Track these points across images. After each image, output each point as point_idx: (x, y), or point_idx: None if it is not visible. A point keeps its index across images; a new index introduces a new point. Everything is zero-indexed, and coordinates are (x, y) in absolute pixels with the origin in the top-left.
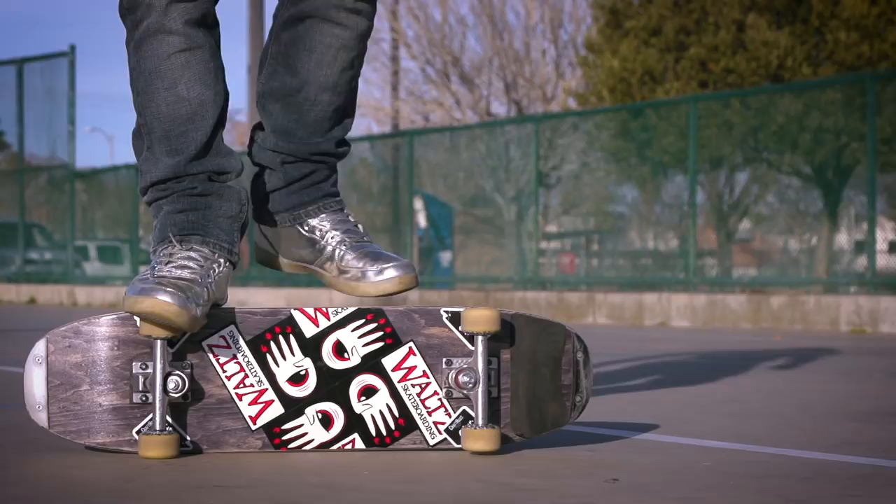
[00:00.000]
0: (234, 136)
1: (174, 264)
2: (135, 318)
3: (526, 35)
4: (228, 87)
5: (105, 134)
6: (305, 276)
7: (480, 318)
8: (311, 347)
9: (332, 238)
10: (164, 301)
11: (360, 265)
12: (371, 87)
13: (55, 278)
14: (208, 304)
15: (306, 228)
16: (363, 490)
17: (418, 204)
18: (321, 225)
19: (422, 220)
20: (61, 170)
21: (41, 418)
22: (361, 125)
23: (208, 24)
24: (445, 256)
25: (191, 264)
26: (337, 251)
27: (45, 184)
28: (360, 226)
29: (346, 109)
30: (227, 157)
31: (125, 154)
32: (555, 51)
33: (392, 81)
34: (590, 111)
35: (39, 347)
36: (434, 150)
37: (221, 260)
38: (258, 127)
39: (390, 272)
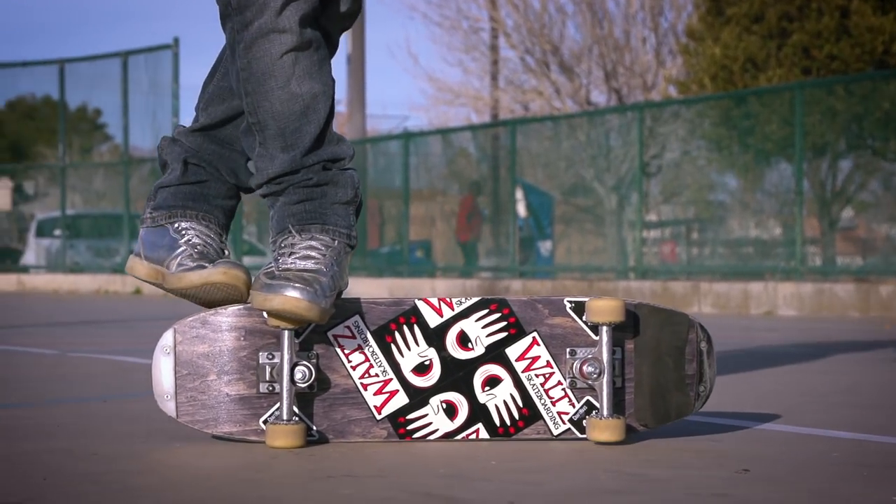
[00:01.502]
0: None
1: (297, 255)
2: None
3: (626, 23)
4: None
5: None
6: (407, 267)
7: (605, 309)
8: (435, 337)
9: (188, 242)
10: (293, 297)
11: (198, 262)
12: (470, 76)
13: None
14: (334, 293)
15: (172, 228)
16: (492, 480)
17: (518, 193)
18: (187, 229)
19: (522, 209)
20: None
21: (169, 408)
22: (461, 114)
23: (315, 18)
24: (545, 246)
25: (313, 254)
26: (184, 254)
27: (148, 175)
28: (226, 248)
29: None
30: (339, 145)
31: None
32: (655, 39)
33: (491, 71)
34: (694, 99)
35: (167, 338)
36: (534, 140)
37: (342, 245)
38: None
39: (217, 266)
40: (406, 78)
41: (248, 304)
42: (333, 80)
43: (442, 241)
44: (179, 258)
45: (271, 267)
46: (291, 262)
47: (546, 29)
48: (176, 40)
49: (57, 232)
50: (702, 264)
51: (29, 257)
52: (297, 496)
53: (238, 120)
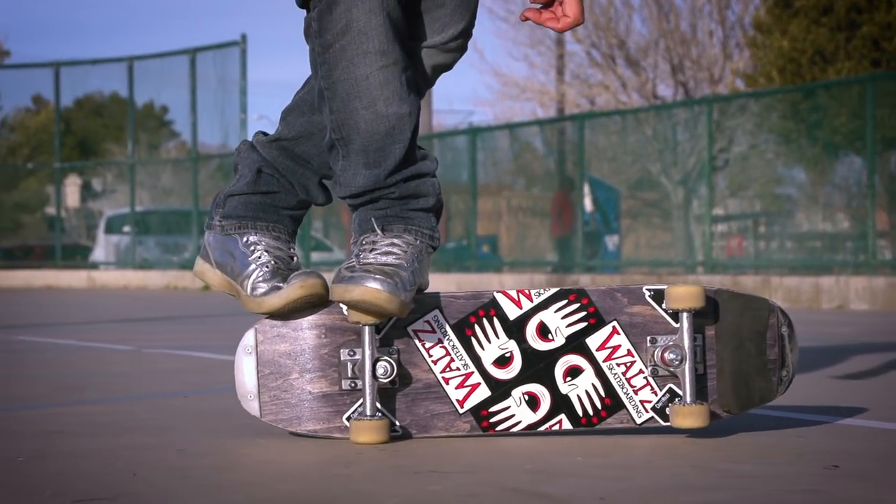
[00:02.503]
0: None
1: (378, 251)
2: (342, 305)
3: (692, 16)
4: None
5: (272, 121)
6: (475, 262)
7: (685, 295)
8: (515, 329)
9: (259, 258)
10: (374, 288)
11: (273, 282)
12: (536, 70)
13: None
14: (414, 288)
15: (242, 241)
16: (580, 475)
17: (584, 188)
18: (255, 242)
19: (588, 203)
20: (234, 157)
21: (253, 407)
22: (527, 109)
23: (402, 34)
24: (612, 240)
25: (395, 250)
26: (257, 271)
27: (215, 171)
28: (295, 256)
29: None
30: (423, 161)
31: None
32: (722, 32)
33: (557, 65)
34: (763, 92)
35: (249, 338)
36: (600, 134)
37: (423, 245)
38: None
39: (294, 280)
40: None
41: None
42: (419, 100)
43: (509, 237)
44: (252, 280)
45: (352, 261)
46: (373, 258)
47: (612, 23)
48: (243, 37)
49: (126, 228)
50: (769, 258)
51: (98, 254)
52: (387, 492)
53: (316, 138)
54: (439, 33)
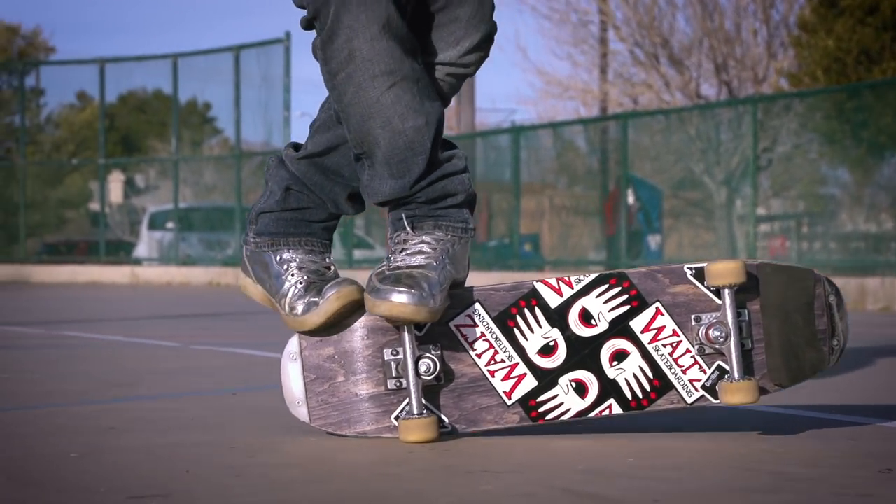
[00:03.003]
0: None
1: (408, 251)
2: None
3: (737, 15)
4: None
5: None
6: (517, 260)
7: (725, 271)
8: (557, 318)
9: (292, 275)
10: (399, 303)
11: (308, 298)
12: (579, 69)
13: None
14: (447, 287)
15: (277, 259)
16: (632, 477)
17: (626, 188)
18: (288, 260)
19: (631, 202)
20: (277, 154)
21: (301, 413)
22: (569, 108)
23: (411, 50)
24: (654, 239)
25: (425, 249)
26: (291, 289)
27: (257, 168)
28: (331, 266)
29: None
30: (451, 161)
31: None
32: (766, 31)
33: (600, 64)
34: (808, 92)
35: (293, 344)
36: (643, 133)
37: (455, 238)
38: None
39: (329, 292)
40: (515, 71)
41: None
42: (440, 105)
43: (552, 235)
44: (289, 299)
45: (383, 266)
46: (402, 260)
47: (656, 22)
48: (287, 35)
49: (169, 225)
50: (812, 258)
51: (141, 250)
52: (439, 491)
53: (344, 148)
54: (454, 46)
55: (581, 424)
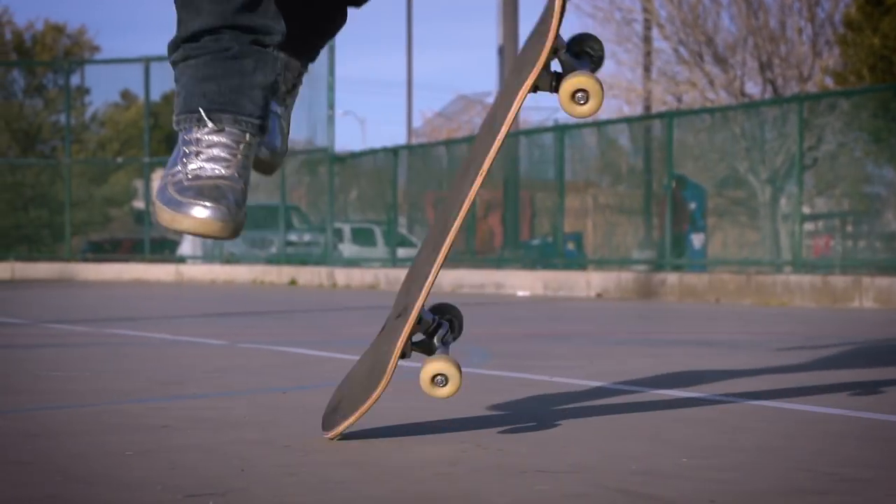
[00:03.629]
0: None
1: (205, 156)
2: None
3: (781, 13)
4: (478, 69)
5: (357, 117)
6: (561, 260)
7: None
8: None
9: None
10: (205, 219)
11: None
12: (623, 68)
13: (315, 260)
14: (245, 203)
15: (189, 136)
16: (687, 477)
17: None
18: (200, 138)
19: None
20: (321, 153)
21: None
22: (612, 106)
23: None
24: (698, 238)
25: (224, 154)
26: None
27: (300, 166)
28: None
29: None
30: (274, 19)
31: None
32: (811, 29)
33: (644, 62)
34: (855, 90)
35: None
36: (686, 132)
37: (253, 138)
38: None
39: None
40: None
41: None
42: None
43: (595, 234)
44: None
45: (178, 173)
46: (199, 167)
47: (700, 20)
48: None
49: None
50: (856, 258)
51: (185, 248)
52: (495, 490)
53: None
54: None
55: (630, 423)
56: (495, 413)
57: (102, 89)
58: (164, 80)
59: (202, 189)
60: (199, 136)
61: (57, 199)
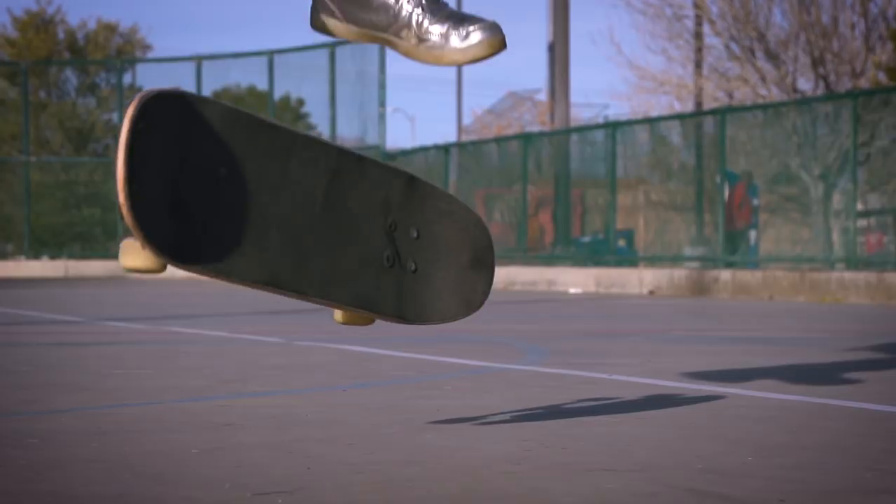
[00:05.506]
0: (535, 115)
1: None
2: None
3: (834, 8)
4: (528, 66)
5: (407, 115)
6: (613, 257)
7: None
8: None
9: (408, 1)
10: (499, 37)
11: (443, 30)
12: (673, 64)
13: None
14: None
15: None
16: (754, 476)
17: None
18: None
19: (724, 198)
20: (372, 151)
21: None
22: (663, 102)
23: None
24: (750, 235)
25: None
26: (415, 15)
27: None
28: None
29: None
30: None
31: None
32: (864, 24)
33: (695, 58)
34: None
35: None
36: (737, 128)
37: None
38: None
39: (476, 35)
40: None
41: None
42: None
43: (647, 231)
44: (420, 28)
45: (423, 21)
46: (438, 8)
47: (752, 15)
48: None
49: None
50: None
51: None
52: (562, 489)
53: None
54: None
55: (692, 421)
56: (556, 411)
57: (154, 87)
58: (215, 79)
59: (461, 17)
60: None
61: (109, 198)
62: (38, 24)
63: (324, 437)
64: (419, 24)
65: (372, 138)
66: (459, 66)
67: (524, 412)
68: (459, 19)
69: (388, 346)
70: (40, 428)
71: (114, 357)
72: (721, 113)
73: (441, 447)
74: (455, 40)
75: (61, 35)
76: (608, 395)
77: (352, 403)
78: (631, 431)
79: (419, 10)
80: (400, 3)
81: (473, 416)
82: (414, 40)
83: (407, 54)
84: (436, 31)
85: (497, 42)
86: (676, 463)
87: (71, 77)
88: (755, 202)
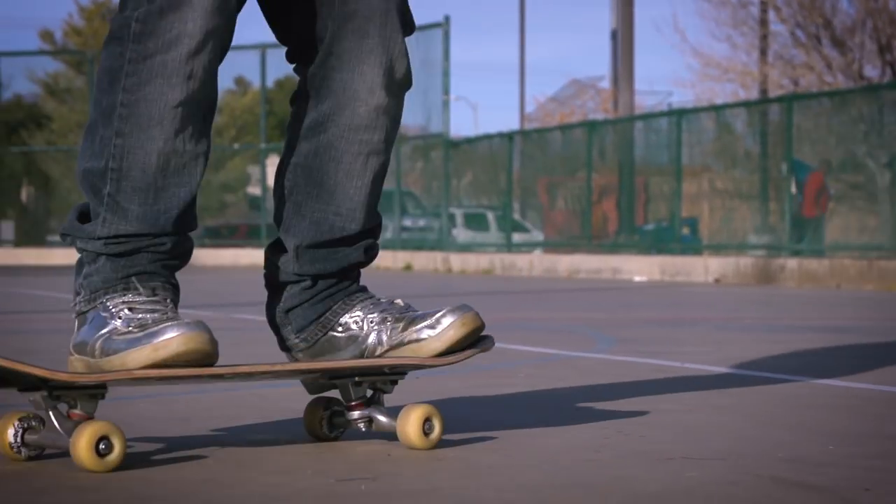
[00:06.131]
0: (598, 103)
1: (145, 308)
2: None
3: None
4: (591, 53)
5: (469, 102)
6: (678, 245)
7: None
8: None
9: (371, 322)
10: (193, 334)
11: (413, 328)
12: (738, 51)
13: (430, 245)
14: None
15: (340, 329)
16: (837, 465)
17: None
18: (354, 317)
19: (791, 186)
20: (436, 138)
21: None
22: (727, 90)
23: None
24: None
25: (159, 307)
26: (382, 332)
27: (412, 152)
28: (398, 301)
29: (375, 213)
30: (194, 215)
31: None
32: None
33: (760, 45)
34: None
35: None
36: (802, 115)
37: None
38: (275, 247)
39: (447, 319)
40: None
41: None
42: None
43: (712, 219)
44: None
45: (119, 325)
46: (144, 315)
47: (818, 2)
48: (447, 18)
49: None
50: None
51: None
52: (644, 477)
53: None
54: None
55: (768, 410)
56: (630, 399)
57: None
58: (278, 67)
59: (162, 318)
60: (130, 298)
61: None
62: (104, 13)
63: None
64: (389, 337)
65: (435, 126)
66: (443, 355)
67: (598, 400)
68: (423, 314)
69: None
70: (121, 415)
71: None
72: (788, 100)
73: (519, 436)
74: (427, 331)
75: None
76: (681, 383)
77: (425, 390)
78: (707, 419)
79: (385, 325)
80: (364, 329)
81: (548, 404)
82: (390, 352)
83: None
84: (406, 333)
85: (469, 319)
86: (756, 451)
87: None
88: (831, 191)
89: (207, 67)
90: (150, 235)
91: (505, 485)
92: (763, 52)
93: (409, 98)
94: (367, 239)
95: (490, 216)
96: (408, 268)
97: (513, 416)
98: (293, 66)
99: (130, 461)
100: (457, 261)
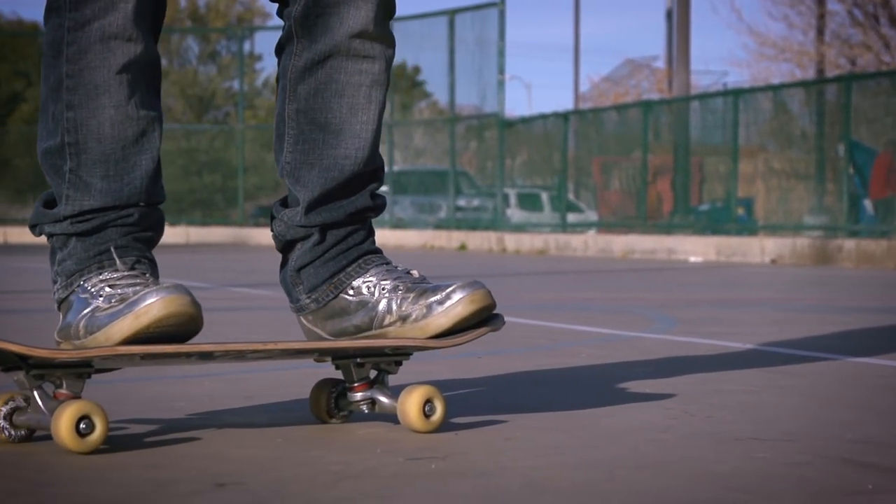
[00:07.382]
0: (653, 82)
1: (124, 283)
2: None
3: None
4: (645, 33)
5: (524, 82)
6: (734, 225)
7: None
8: None
9: (384, 289)
10: (173, 297)
11: (423, 301)
12: (794, 31)
13: (484, 224)
14: None
15: (351, 292)
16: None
17: (842, 151)
18: (368, 281)
19: (849, 167)
20: (490, 118)
21: None
22: (783, 70)
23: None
24: (871, 204)
25: (139, 280)
26: (393, 300)
27: (466, 131)
28: (414, 271)
29: (378, 154)
30: (160, 185)
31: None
32: None
33: (817, 25)
34: None
35: None
36: (858, 96)
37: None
38: (282, 204)
39: (456, 294)
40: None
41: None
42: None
43: (768, 199)
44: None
45: (100, 301)
46: (127, 288)
47: None
48: None
49: (384, 188)
50: None
51: None
52: (713, 458)
53: None
54: None
55: (833, 391)
56: (693, 379)
57: (274, 55)
58: None
59: (143, 285)
60: (111, 275)
61: (230, 164)
62: None
63: (466, 405)
64: (399, 307)
65: (490, 106)
66: (449, 333)
67: (662, 380)
68: (436, 287)
69: (519, 314)
70: (187, 392)
71: (247, 323)
72: (846, 80)
73: (584, 416)
74: (436, 307)
75: (183, 4)
76: (743, 363)
77: (488, 370)
78: (772, 400)
79: (397, 294)
80: (376, 296)
81: (612, 384)
82: (398, 322)
83: (398, 341)
84: (416, 305)
85: (479, 296)
86: (825, 433)
87: (192, 45)
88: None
89: (146, 29)
90: (115, 208)
91: (574, 464)
92: (820, 32)
93: (463, 78)
94: (373, 183)
95: (544, 196)
96: (462, 247)
97: (577, 397)
98: (282, 11)
99: (199, 436)
100: (511, 241)
